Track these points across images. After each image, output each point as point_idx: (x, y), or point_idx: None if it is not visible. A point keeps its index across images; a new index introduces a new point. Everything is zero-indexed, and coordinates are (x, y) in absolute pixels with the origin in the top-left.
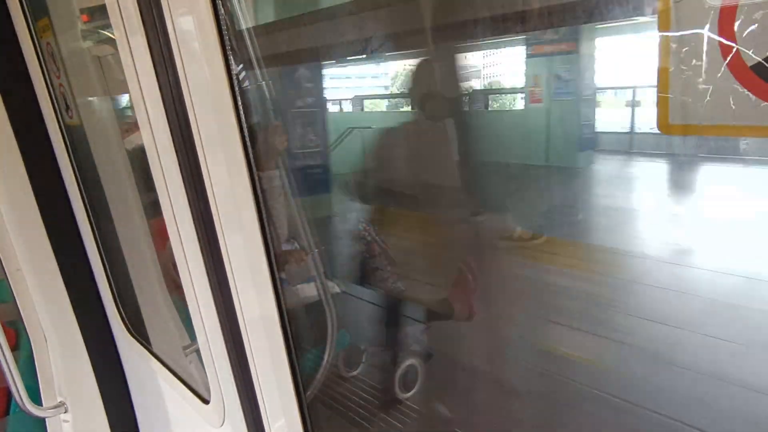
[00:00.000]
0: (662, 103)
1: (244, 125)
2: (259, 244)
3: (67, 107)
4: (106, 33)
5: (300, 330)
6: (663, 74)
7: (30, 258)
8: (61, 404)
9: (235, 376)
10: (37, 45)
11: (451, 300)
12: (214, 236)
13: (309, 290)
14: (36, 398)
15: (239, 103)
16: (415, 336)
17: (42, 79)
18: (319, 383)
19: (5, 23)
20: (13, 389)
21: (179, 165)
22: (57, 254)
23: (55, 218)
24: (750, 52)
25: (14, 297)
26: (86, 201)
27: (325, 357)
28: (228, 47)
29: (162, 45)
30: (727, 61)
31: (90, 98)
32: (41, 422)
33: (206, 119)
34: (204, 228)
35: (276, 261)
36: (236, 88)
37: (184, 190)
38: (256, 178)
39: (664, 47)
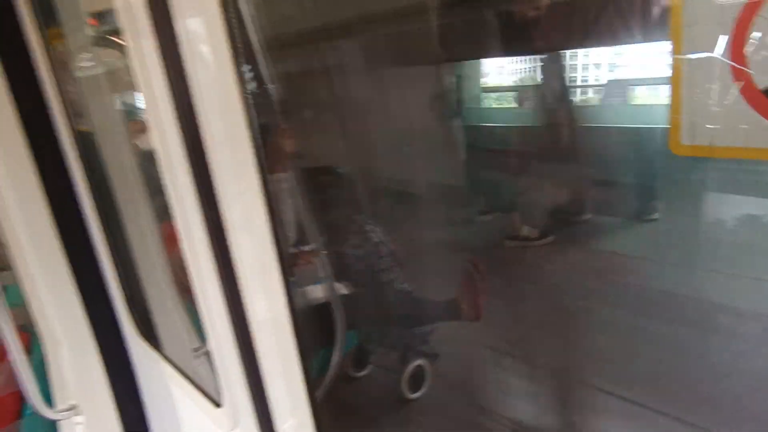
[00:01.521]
0: (674, 125)
1: (254, 127)
2: (270, 246)
3: (79, 114)
4: (116, 39)
5: (309, 331)
6: (675, 96)
7: (42, 263)
8: (74, 407)
9: (246, 380)
10: (49, 53)
11: (459, 300)
12: (224, 239)
13: (318, 292)
14: (49, 401)
15: (248, 104)
16: (423, 336)
17: (54, 86)
18: (328, 384)
19: (17, 32)
20: (27, 392)
21: (189, 168)
22: (69, 258)
23: (66, 222)
24: (761, 77)
25: (27, 301)
26: (97, 205)
27: (334, 358)
28: (237, 49)
29: (172, 48)
30: (738, 85)
31: (101, 104)
32: (54, 425)
33: (216, 122)
34: (214, 230)
35: (288, 263)
36: (245, 90)
37: (194, 193)
38: (266, 179)
39: (676, 70)
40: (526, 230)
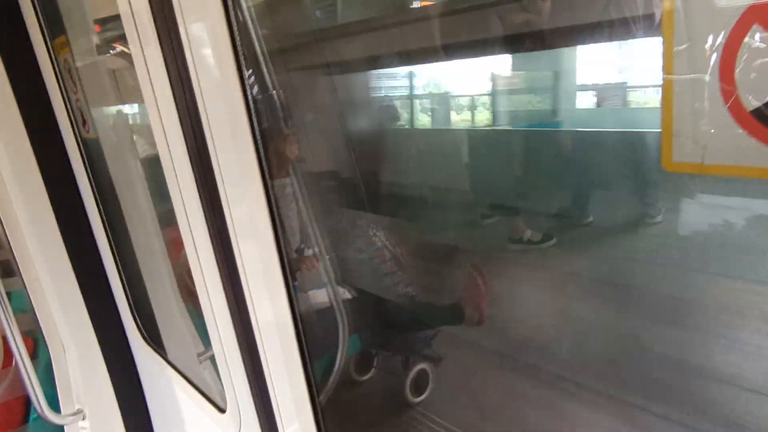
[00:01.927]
0: (666, 142)
1: (257, 132)
2: (273, 252)
3: (84, 121)
4: (122, 47)
5: (313, 336)
6: (667, 115)
7: (48, 268)
8: (79, 412)
9: (250, 385)
10: (55, 62)
11: (463, 304)
12: (229, 244)
13: (321, 296)
14: (54, 406)
15: (252, 110)
16: (426, 340)
17: (59, 95)
18: (331, 388)
19: (24, 43)
20: (33, 397)
21: (194, 174)
22: (74, 264)
23: (72, 229)
24: (749, 98)
25: (32, 306)
26: (102, 211)
27: (337, 362)
28: (240, 54)
29: (176, 55)
30: (727, 105)
31: (106, 111)
32: (60, 430)
33: (220, 127)
34: (218, 236)
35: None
36: (249, 96)
37: (198, 199)
38: (270, 185)
39: (668, 91)
40: (529, 234)
